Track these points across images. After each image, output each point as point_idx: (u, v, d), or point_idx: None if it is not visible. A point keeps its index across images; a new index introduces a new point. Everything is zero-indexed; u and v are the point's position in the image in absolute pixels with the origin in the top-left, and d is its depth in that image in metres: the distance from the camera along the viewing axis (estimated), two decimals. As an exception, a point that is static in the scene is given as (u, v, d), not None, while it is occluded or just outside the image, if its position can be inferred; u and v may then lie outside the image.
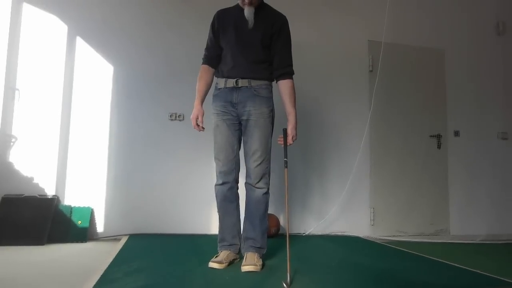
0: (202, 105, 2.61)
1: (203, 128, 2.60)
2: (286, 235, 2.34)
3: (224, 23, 2.61)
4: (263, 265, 2.47)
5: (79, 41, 3.82)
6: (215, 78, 2.69)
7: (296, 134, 2.55)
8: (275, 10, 2.65)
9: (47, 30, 3.74)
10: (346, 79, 4.43)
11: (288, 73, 2.60)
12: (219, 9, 2.70)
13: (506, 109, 4.87)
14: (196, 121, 2.57)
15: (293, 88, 2.59)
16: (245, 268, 2.37)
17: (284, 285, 2.05)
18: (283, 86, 2.59)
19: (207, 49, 2.69)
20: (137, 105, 3.88)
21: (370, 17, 4.50)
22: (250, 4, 2.51)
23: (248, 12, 2.51)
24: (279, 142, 2.56)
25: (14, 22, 3.65)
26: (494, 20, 4.98)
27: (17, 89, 3.63)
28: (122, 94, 3.87)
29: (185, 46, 3.95)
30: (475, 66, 4.84)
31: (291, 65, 2.63)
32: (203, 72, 2.65)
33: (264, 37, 2.55)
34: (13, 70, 3.64)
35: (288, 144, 2.53)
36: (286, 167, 2.48)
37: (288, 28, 2.62)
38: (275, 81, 2.65)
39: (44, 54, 3.72)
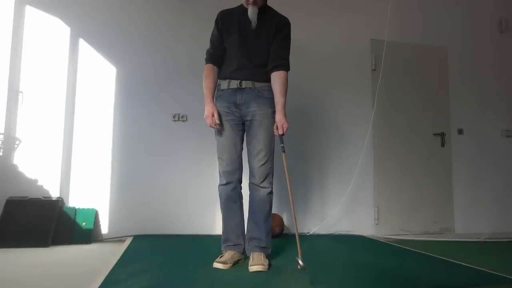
0: (213, 102, 2.58)
1: (219, 124, 2.55)
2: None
3: (228, 24, 2.60)
4: (269, 265, 2.47)
5: (82, 43, 3.83)
6: (217, 79, 2.67)
7: (286, 122, 2.48)
8: (278, 13, 2.64)
9: (49, 32, 3.76)
10: (348, 78, 4.42)
11: (283, 65, 2.55)
12: (221, 9, 2.69)
13: (510, 107, 4.84)
14: (212, 118, 2.53)
15: (286, 79, 2.54)
16: (253, 268, 2.36)
17: (300, 262, 2.03)
18: (276, 76, 2.53)
19: (212, 48, 2.67)
20: (140, 106, 3.89)
21: (372, 16, 4.48)
22: (254, 4, 2.50)
23: (251, 12, 2.51)
24: (275, 133, 2.51)
25: (17, 25, 3.67)
26: (496, 17, 4.96)
27: (21, 92, 3.64)
28: (125, 95, 3.88)
29: (187, 47, 3.95)
30: (478, 63, 4.81)
31: (287, 60, 2.59)
32: (209, 70, 2.63)
33: (267, 39, 2.55)
34: (17, 73, 3.65)
35: (279, 134, 2.48)
36: (284, 151, 2.44)
37: (290, 29, 2.62)
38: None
39: (47, 56, 3.73)
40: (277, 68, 2.55)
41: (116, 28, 3.91)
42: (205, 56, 2.67)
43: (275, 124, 2.50)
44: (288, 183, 2.42)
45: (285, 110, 2.51)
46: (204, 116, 2.54)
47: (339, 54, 4.42)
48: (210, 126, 2.55)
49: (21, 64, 3.68)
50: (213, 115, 2.52)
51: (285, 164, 2.42)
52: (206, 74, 2.62)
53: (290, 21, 2.64)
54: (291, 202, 2.41)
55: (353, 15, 4.49)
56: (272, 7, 2.68)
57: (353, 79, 4.44)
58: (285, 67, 2.56)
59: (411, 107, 4.55)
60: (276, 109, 2.52)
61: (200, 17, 3.90)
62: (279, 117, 2.49)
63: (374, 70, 4.46)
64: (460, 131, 4.66)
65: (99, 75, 3.84)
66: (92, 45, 3.85)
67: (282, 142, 2.48)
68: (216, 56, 2.64)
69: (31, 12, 3.73)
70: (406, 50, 4.59)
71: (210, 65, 2.64)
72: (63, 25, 3.79)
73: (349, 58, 4.44)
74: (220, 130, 2.58)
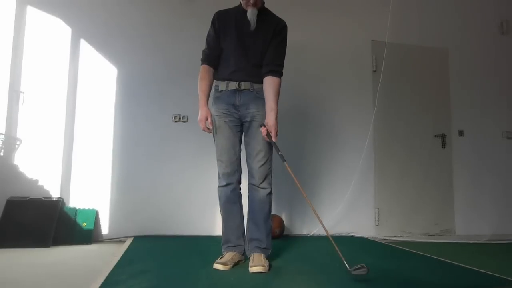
0: (208, 106, 2.58)
1: (213, 128, 2.56)
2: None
3: (225, 25, 2.60)
4: (270, 266, 2.47)
5: (83, 44, 3.84)
6: (214, 80, 2.66)
7: (277, 129, 2.48)
8: (276, 15, 2.65)
9: (51, 32, 3.76)
10: (349, 80, 4.42)
11: (278, 72, 2.55)
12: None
13: (511, 108, 4.84)
14: (205, 122, 2.53)
15: (279, 86, 2.54)
16: (253, 269, 2.36)
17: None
18: (270, 82, 2.52)
19: (208, 49, 2.65)
20: (141, 107, 3.90)
21: (373, 17, 4.49)
22: (254, 5, 2.51)
23: (251, 13, 2.51)
24: (265, 139, 2.49)
25: (18, 25, 3.67)
26: (498, 19, 4.95)
27: (22, 92, 3.65)
28: (125, 96, 3.88)
29: (188, 47, 3.93)
30: (479, 65, 4.81)
31: (282, 66, 2.59)
32: (205, 72, 2.61)
33: (265, 41, 2.55)
34: (18, 73, 3.66)
35: (273, 140, 2.47)
36: (285, 161, 2.45)
37: (286, 33, 2.62)
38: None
39: (48, 57, 3.74)
40: (272, 73, 2.53)
41: (117, 29, 3.92)
42: (201, 57, 2.66)
43: (265, 128, 2.47)
44: (302, 191, 2.43)
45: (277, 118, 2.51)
46: (198, 119, 2.53)
47: (339, 56, 4.42)
48: (203, 130, 2.55)
49: (22, 64, 3.68)
50: (206, 119, 2.51)
51: (291, 173, 2.42)
52: (201, 76, 2.60)
53: (291, 22, 2.65)
54: (311, 207, 2.40)
55: (354, 17, 4.49)
56: (274, 8, 2.68)
57: (353, 80, 4.44)
58: (280, 73, 2.56)
59: (411, 108, 4.55)
60: (268, 115, 2.49)
61: (200, 17, 3.87)
62: (272, 121, 2.46)
63: (374, 71, 4.46)
64: (461, 133, 4.66)
65: (100, 75, 3.85)
66: (93, 46, 3.86)
67: (278, 149, 2.47)
68: (213, 57, 2.63)
69: (32, 12, 3.74)
70: (407, 51, 4.59)
71: (206, 66, 2.63)
72: (64, 25, 3.80)
73: (349, 59, 4.44)
74: (215, 133, 2.58)
